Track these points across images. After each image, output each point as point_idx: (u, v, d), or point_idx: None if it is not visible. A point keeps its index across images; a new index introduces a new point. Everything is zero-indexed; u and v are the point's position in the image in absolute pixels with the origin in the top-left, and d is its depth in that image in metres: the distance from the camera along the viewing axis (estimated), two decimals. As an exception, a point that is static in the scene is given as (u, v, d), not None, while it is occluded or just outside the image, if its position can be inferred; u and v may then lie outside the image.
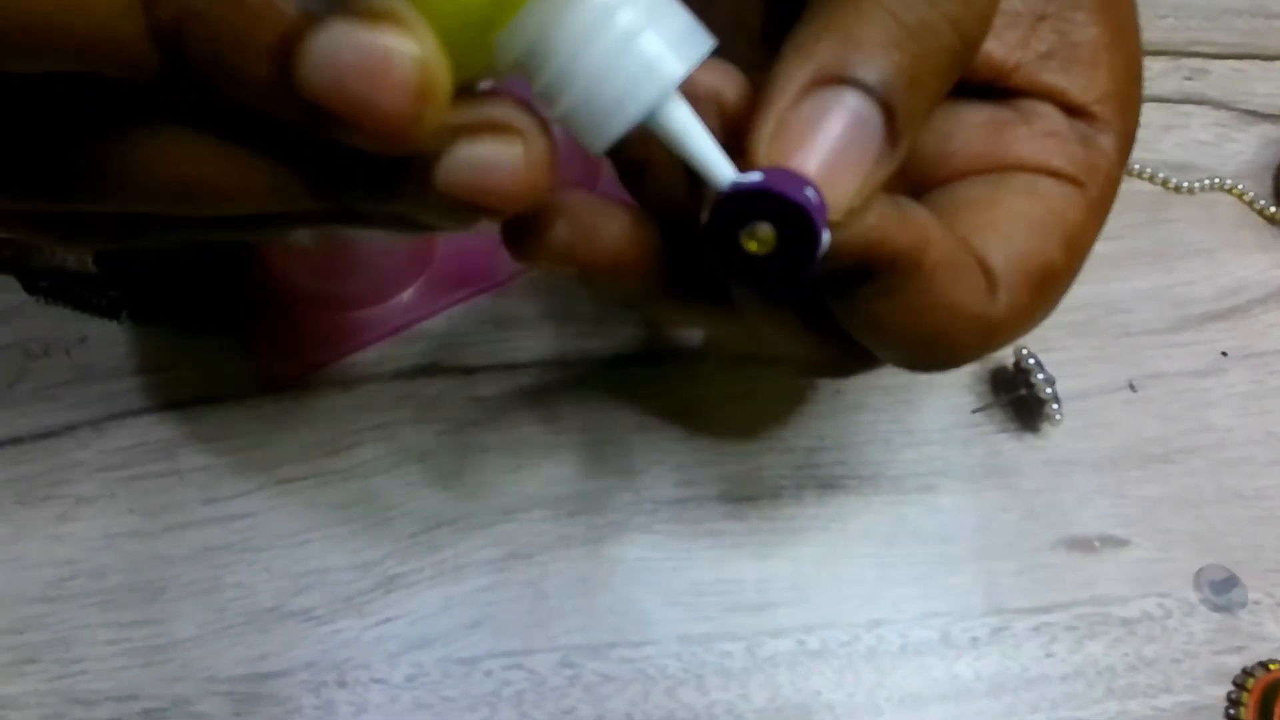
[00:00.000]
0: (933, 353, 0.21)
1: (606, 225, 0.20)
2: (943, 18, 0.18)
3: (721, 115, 0.18)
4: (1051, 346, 0.34)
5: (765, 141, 0.17)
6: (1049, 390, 0.32)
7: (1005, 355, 0.33)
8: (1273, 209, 0.38)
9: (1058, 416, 0.32)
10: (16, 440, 0.30)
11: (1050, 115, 0.22)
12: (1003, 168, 0.22)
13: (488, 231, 0.35)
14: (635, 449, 0.31)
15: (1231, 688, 0.29)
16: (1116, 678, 0.29)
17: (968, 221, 0.21)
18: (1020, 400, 0.32)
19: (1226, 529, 0.32)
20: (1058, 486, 0.32)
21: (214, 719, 0.27)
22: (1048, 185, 0.22)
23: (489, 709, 0.28)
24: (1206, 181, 0.38)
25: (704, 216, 0.17)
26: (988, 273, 0.20)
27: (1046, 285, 0.21)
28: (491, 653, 0.28)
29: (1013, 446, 0.33)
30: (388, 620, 0.29)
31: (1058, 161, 0.22)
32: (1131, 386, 0.34)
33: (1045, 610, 0.30)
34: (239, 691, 0.27)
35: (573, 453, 0.31)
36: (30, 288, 0.32)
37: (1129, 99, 0.23)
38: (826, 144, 0.17)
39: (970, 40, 0.19)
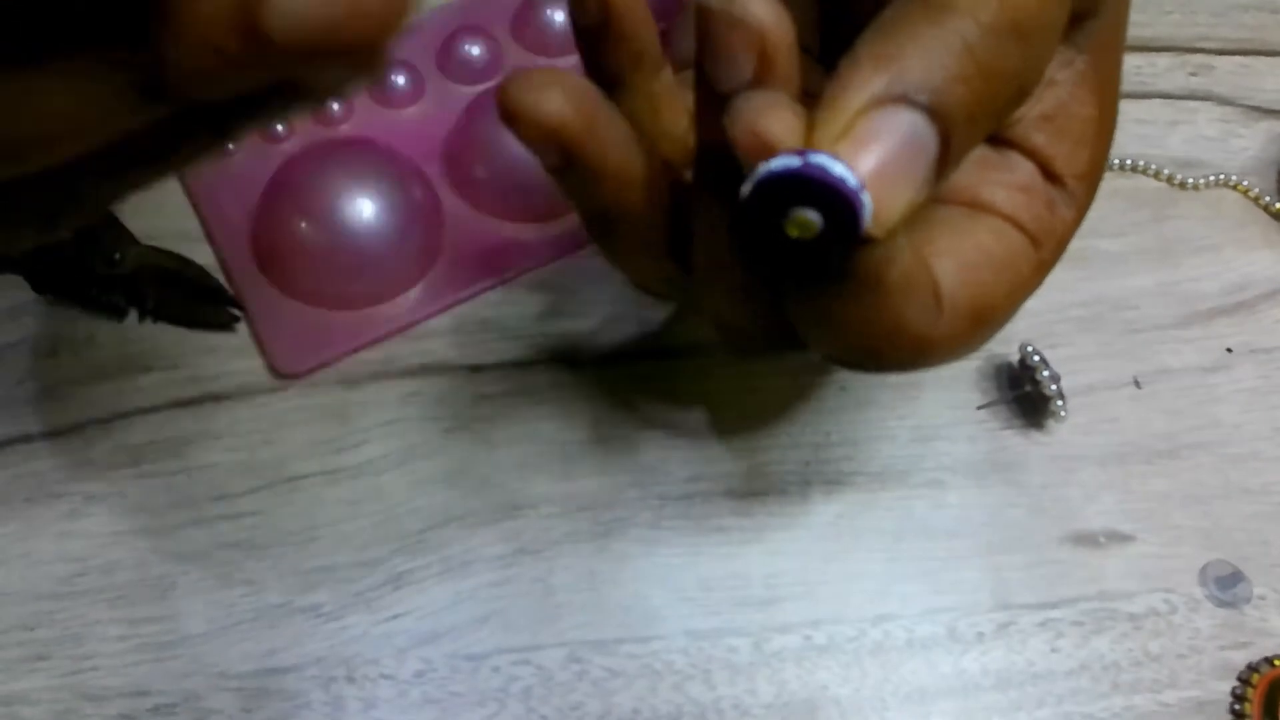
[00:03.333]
0: (865, 358, 0.21)
1: (614, 126, 0.20)
2: (1011, 65, 0.19)
3: (762, 58, 0.18)
4: (1057, 342, 0.34)
5: (830, 139, 0.18)
6: (1054, 387, 0.32)
7: (1010, 352, 0.33)
8: (1278, 205, 0.38)
9: (1062, 413, 0.32)
10: (26, 438, 0.30)
11: (1028, 172, 0.23)
12: (976, 206, 0.23)
13: (497, 228, 0.35)
14: (642, 445, 0.32)
15: (1236, 683, 0.30)
16: (1122, 673, 0.30)
17: (934, 243, 0.22)
18: (1025, 397, 0.33)
19: (1233, 524, 0.32)
20: (1064, 482, 0.32)
21: (224, 714, 0.27)
22: (1012, 235, 0.23)
23: (497, 704, 0.28)
24: (1212, 178, 0.38)
25: (745, 190, 0.17)
26: (937, 297, 0.21)
27: (985, 323, 0.22)
28: (499, 648, 0.29)
29: (1019, 442, 0.33)
30: (396, 616, 0.29)
31: (1024, 217, 0.23)
32: (1136, 383, 0.34)
33: (1051, 605, 0.30)
34: (248, 687, 0.28)
35: (580, 449, 0.31)
36: (38, 287, 0.32)
37: (1096, 182, 0.24)
38: (885, 155, 0.18)
39: (1025, 92, 0.20)
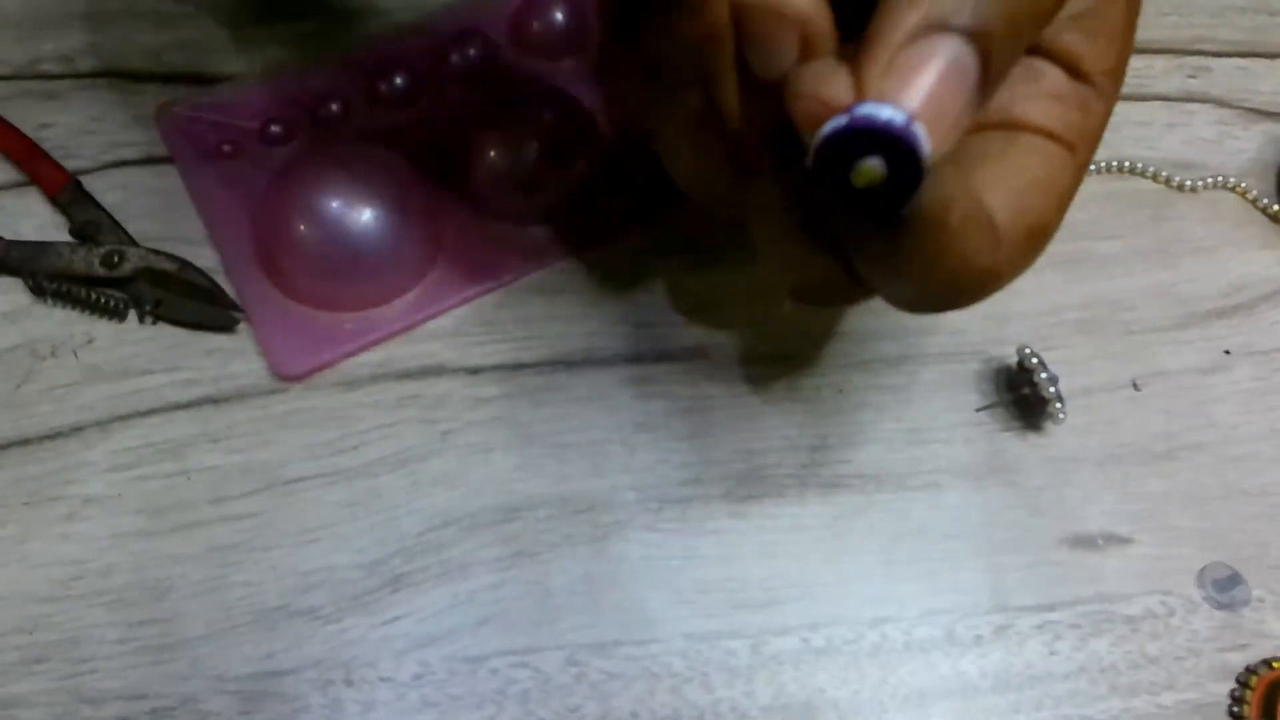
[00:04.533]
0: (933, 299, 0.22)
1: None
2: None
3: (804, 41, 0.19)
4: (1056, 344, 0.34)
5: (876, 79, 0.18)
6: (1052, 389, 0.32)
7: (1008, 354, 0.33)
8: (1276, 207, 0.38)
9: (1060, 415, 0.32)
10: (24, 441, 0.30)
11: (1055, 77, 0.23)
12: (1010, 125, 0.23)
13: (495, 230, 0.35)
14: (639, 448, 0.32)
15: (1234, 685, 0.30)
16: (1120, 675, 0.30)
17: (982, 176, 0.22)
18: (1023, 399, 0.33)
19: (1231, 526, 0.32)
20: (1062, 484, 0.32)
21: (222, 717, 0.27)
22: (1050, 149, 0.23)
23: (495, 707, 0.28)
24: (1210, 180, 0.38)
25: (814, 143, 0.18)
26: (993, 229, 0.21)
27: (1038, 242, 0.23)
28: (497, 651, 0.29)
29: (1017, 444, 0.33)
30: (394, 619, 0.29)
31: (1058, 126, 0.23)
32: (1134, 385, 0.34)
33: (1049, 608, 0.30)
34: (247, 690, 0.28)
35: (577, 451, 0.31)
36: (37, 290, 0.32)
37: (1123, 74, 0.24)
38: (929, 85, 0.18)
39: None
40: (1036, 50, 0.23)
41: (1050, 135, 0.23)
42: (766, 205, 0.23)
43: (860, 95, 0.18)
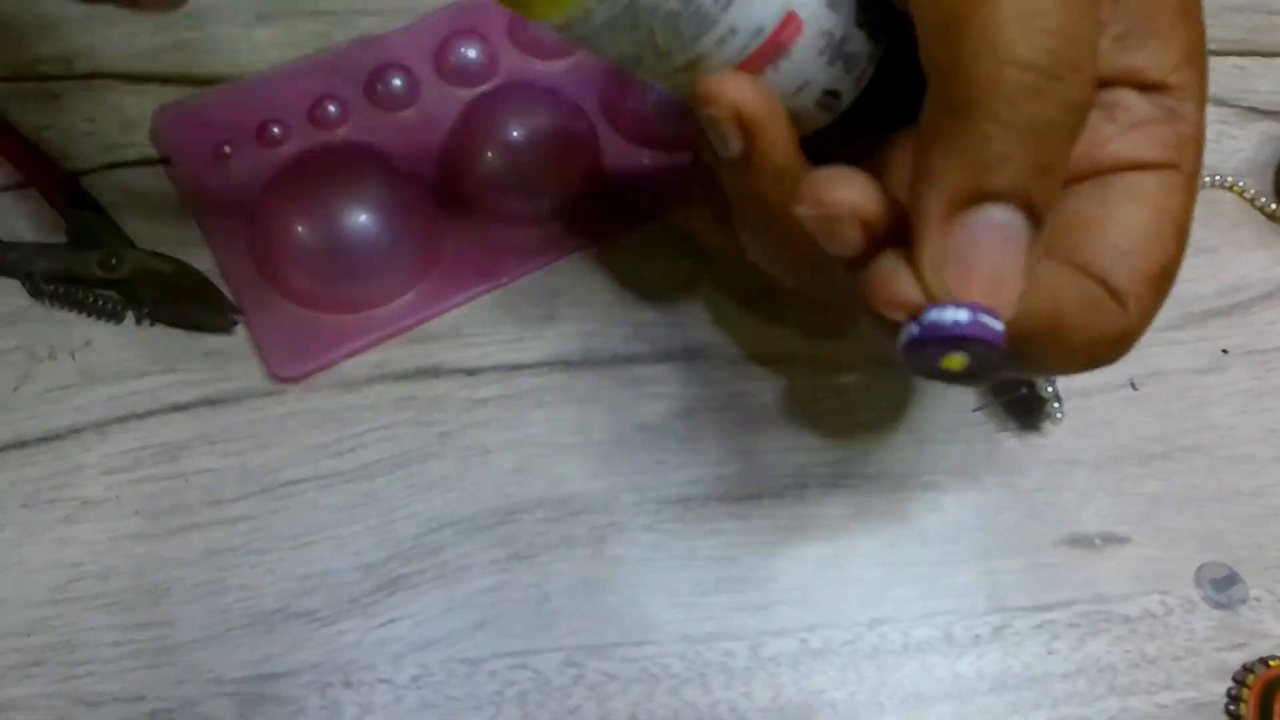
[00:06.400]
0: (1078, 369, 0.22)
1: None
2: (1055, 104, 0.19)
3: (865, 228, 0.19)
4: (1052, 345, 0.34)
5: (931, 277, 0.19)
6: (1049, 389, 0.32)
7: (1006, 354, 0.33)
8: (1273, 206, 0.38)
9: (1058, 415, 0.32)
10: (21, 443, 0.30)
11: (1130, 102, 0.22)
12: (1100, 171, 0.22)
13: (493, 231, 0.35)
14: (637, 449, 0.32)
15: (1232, 684, 0.30)
16: (1118, 675, 0.30)
17: (1087, 245, 0.21)
18: (1021, 399, 0.33)
19: (1228, 526, 0.32)
20: (1059, 485, 0.32)
21: (220, 720, 0.27)
22: (1148, 182, 0.22)
23: (494, 709, 0.28)
24: (1207, 179, 0.38)
25: (898, 347, 0.20)
26: (1114, 291, 0.21)
27: (1167, 279, 0.22)
28: (496, 653, 0.29)
29: (1014, 445, 0.33)
30: (392, 621, 0.29)
31: (1151, 153, 0.22)
32: (1132, 385, 0.34)
33: (1047, 608, 0.30)
34: (245, 693, 0.28)
35: (575, 453, 0.31)
36: (35, 291, 0.32)
37: (1201, 58, 0.22)
38: (984, 269, 0.18)
39: (1084, 107, 0.19)
40: (1103, 80, 0.22)
41: (1145, 166, 0.22)
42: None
43: (925, 295, 0.19)
